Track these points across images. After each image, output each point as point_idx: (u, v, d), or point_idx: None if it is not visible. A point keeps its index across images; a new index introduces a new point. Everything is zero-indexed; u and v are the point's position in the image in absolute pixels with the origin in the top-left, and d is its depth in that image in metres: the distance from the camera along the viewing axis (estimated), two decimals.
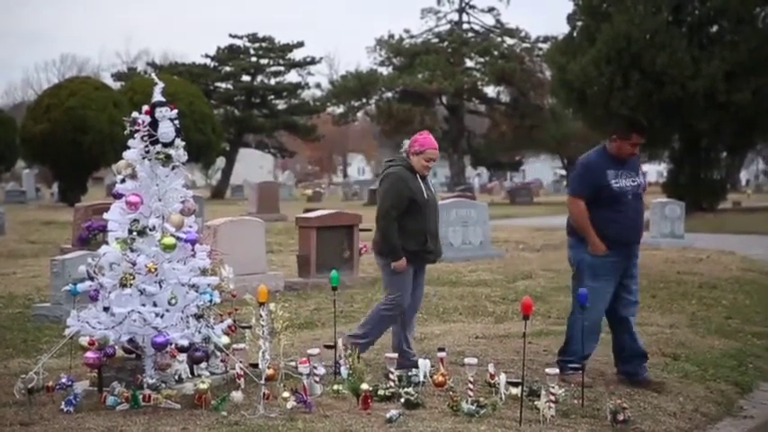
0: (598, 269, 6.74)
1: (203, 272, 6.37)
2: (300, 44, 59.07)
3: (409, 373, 6.50)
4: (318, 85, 64.75)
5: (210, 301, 6.38)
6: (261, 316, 5.84)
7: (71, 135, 36.41)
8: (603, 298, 6.80)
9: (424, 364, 6.53)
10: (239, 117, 57.49)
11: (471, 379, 6.02)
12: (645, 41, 32.06)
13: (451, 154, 58.83)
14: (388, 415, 5.60)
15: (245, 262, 11.12)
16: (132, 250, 6.04)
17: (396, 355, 6.57)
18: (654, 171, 64.63)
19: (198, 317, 6.23)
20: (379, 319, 7.01)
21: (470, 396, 5.91)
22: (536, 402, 5.79)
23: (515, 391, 6.00)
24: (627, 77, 32.33)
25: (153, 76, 6.72)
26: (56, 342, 7.12)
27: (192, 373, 6.18)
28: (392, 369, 6.36)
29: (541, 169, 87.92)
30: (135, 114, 6.23)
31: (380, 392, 6.08)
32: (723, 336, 9.15)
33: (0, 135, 44.88)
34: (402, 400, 5.96)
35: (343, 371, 6.45)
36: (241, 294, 6.75)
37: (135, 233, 6.06)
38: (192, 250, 6.31)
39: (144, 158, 6.17)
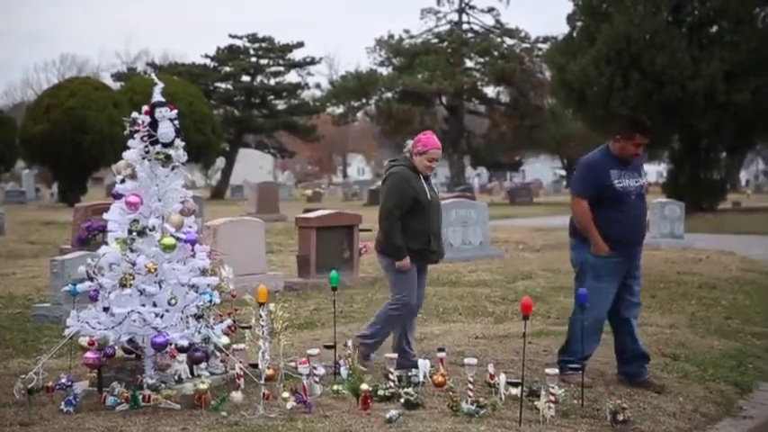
0: (601, 270, 6.74)
1: (203, 272, 6.37)
2: (300, 44, 59.09)
3: (409, 374, 6.50)
4: (318, 86, 64.84)
5: (210, 301, 6.38)
6: (260, 316, 5.84)
7: (71, 135, 36.40)
8: (606, 298, 6.80)
9: (423, 365, 6.53)
10: (239, 117, 57.50)
11: (471, 379, 6.02)
12: (645, 42, 32.08)
13: (451, 154, 58.82)
14: (387, 415, 5.60)
15: (245, 262, 11.12)
16: (132, 250, 6.04)
17: (396, 355, 6.58)
18: (653, 171, 64.58)
19: (198, 317, 6.23)
20: (386, 319, 7.01)
21: (470, 396, 5.91)
22: (536, 403, 5.79)
23: (515, 391, 6.00)
24: (627, 78, 32.34)
25: (153, 76, 6.71)
26: (55, 342, 7.12)
27: (191, 373, 6.18)
28: (392, 369, 6.37)
29: (541, 169, 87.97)
30: (135, 115, 6.23)
31: (380, 393, 6.08)
32: (723, 336, 9.15)
33: (0, 135, 44.84)
34: (402, 400, 5.96)
35: (343, 371, 6.46)
36: (241, 295, 6.75)
37: (135, 233, 6.06)
38: (192, 250, 6.32)
39: (144, 159, 6.17)
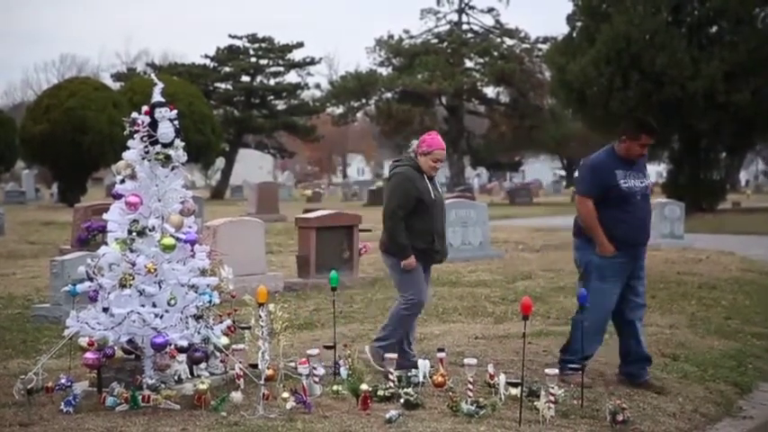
0: (605, 270, 6.73)
1: (203, 272, 6.37)
2: (300, 44, 59.12)
3: (409, 374, 6.50)
4: (318, 86, 64.86)
5: (210, 301, 6.38)
6: (260, 316, 5.84)
7: (70, 135, 36.41)
8: (610, 299, 6.80)
9: (423, 365, 6.53)
10: (239, 117, 57.50)
11: (471, 379, 6.02)
12: (644, 42, 32.08)
13: (451, 154, 58.73)
14: (387, 415, 5.60)
15: (245, 262, 11.12)
16: (132, 251, 6.04)
17: (395, 355, 6.58)
18: (653, 171, 64.61)
19: (197, 317, 6.23)
20: (398, 320, 7.00)
21: (470, 396, 5.91)
22: (535, 403, 5.79)
23: (515, 391, 6.00)
24: (626, 78, 32.34)
25: (152, 76, 6.71)
26: (55, 343, 7.12)
27: (191, 373, 6.18)
28: (392, 369, 6.36)
29: (541, 170, 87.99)
30: (134, 115, 6.22)
31: (380, 393, 6.08)
32: (723, 336, 9.15)
33: (0, 135, 44.84)
34: (401, 400, 5.96)
35: (343, 371, 6.46)
36: (240, 295, 6.75)
37: (134, 234, 6.06)
38: (192, 251, 6.31)
39: (143, 159, 6.17)
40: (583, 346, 6.64)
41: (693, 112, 31.60)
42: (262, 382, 5.77)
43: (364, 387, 5.92)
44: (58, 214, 29.29)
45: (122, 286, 5.92)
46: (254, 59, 59.01)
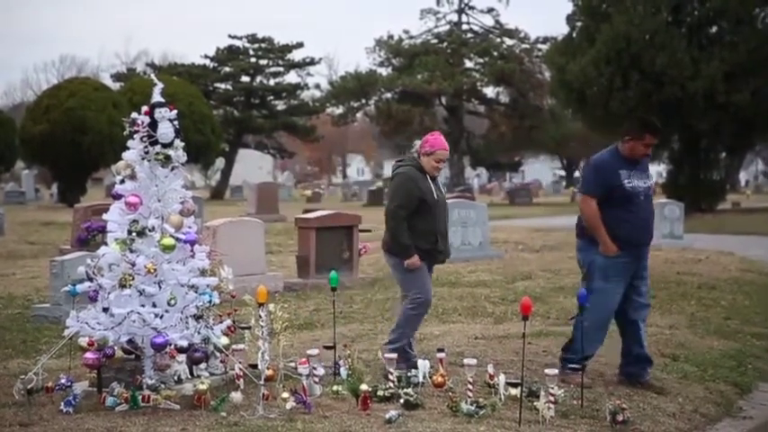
0: (609, 270, 6.74)
1: (202, 272, 6.37)
2: (300, 45, 59.12)
3: (408, 374, 6.50)
4: (318, 86, 64.83)
5: (210, 301, 6.38)
6: (260, 317, 5.84)
7: (70, 136, 36.40)
8: (613, 299, 6.80)
9: (423, 365, 6.53)
10: (238, 118, 57.50)
11: (470, 380, 6.02)
12: (644, 42, 32.08)
13: (451, 154, 58.15)
14: (387, 416, 5.60)
15: (245, 263, 11.12)
16: (131, 251, 6.04)
17: (395, 355, 6.58)
18: (653, 171, 64.63)
19: (197, 317, 6.23)
20: (407, 320, 6.99)
21: (470, 397, 5.91)
22: (535, 403, 5.79)
23: (515, 391, 6.00)
24: (626, 78, 32.34)
25: (152, 76, 6.71)
26: (55, 343, 7.12)
27: (191, 373, 6.18)
28: (391, 370, 6.37)
29: (541, 170, 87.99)
30: (134, 115, 6.23)
31: (380, 393, 6.08)
32: (722, 336, 9.15)
33: (0, 136, 44.83)
34: (401, 400, 5.96)
35: (343, 371, 6.46)
36: (240, 295, 6.75)
37: (134, 234, 6.06)
38: (192, 251, 6.32)
39: (143, 159, 6.17)
40: (583, 345, 6.64)
41: (693, 113, 31.59)
42: (261, 382, 5.77)
43: (364, 387, 5.92)
44: (57, 214, 29.29)
45: (122, 286, 5.92)
46: (253, 60, 59.01)
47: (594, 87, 33.15)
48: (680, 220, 20.27)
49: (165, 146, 6.17)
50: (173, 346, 5.93)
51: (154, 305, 6.03)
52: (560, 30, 66.70)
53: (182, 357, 6.04)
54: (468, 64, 60.26)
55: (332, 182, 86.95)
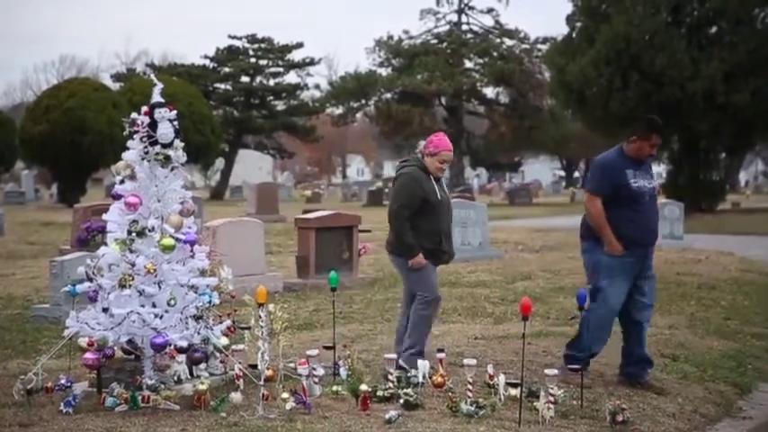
0: (614, 269, 6.75)
1: (202, 273, 6.37)
2: (300, 45, 59.12)
3: (408, 374, 6.50)
4: (317, 86, 64.85)
5: (209, 302, 6.38)
6: (260, 317, 5.84)
7: (70, 136, 36.39)
8: (617, 298, 6.81)
9: (423, 365, 6.53)
10: (238, 118, 57.49)
11: (470, 380, 6.02)
12: (644, 42, 32.09)
13: None
14: (387, 416, 5.60)
15: (244, 263, 11.12)
16: (131, 251, 6.04)
17: (395, 355, 6.58)
18: (653, 172, 64.61)
19: (197, 318, 6.23)
20: (419, 322, 6.97)
21: (469, 397, 5.91)
22: (535, 403, 5.80)
23: (514, 391, 6.00)
24: (626, 78, 32.34)
25: (152, 76, 6.71)
26: (55, 343, 7.12)
27: (191, 374, 6.17)
28: (391, 370, 6.37)
29: (540, 170, 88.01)
30: (134, 115, 6.23)
31: (379, 393, 6.08)
32: (722, 337, 9.15)
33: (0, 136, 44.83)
34: (401, 400, 5.96)
35: (342, 372, 6.46)
36: (240, 295, 6.75)
37: (134, 234, 6.06)
38: (191, 251, 6.32)
39: (143, 159, 6.17)
40: (584, 343, 6.67)
41: (693, 113, 31.60)
42: (261, 382, 5.77)
43: (364, 387, 5.92)
44: (57, 215, 29.29)
45: (122, 287, 5.92)
46: (253, 60, 59.01)
47: (594, 88, 33.15)
48: (680, 221, 20.28)
49: (164, 146, 6.17)
50: (172, 347, 5.93)
51: (154, 305, 6.03)
52: (560, 30, 66.76)
53: (181, 358, 6.04)
54: (468, 64, 60.28)
55: (331, 182, 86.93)
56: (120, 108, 35.16)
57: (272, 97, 59.66)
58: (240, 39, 59.11)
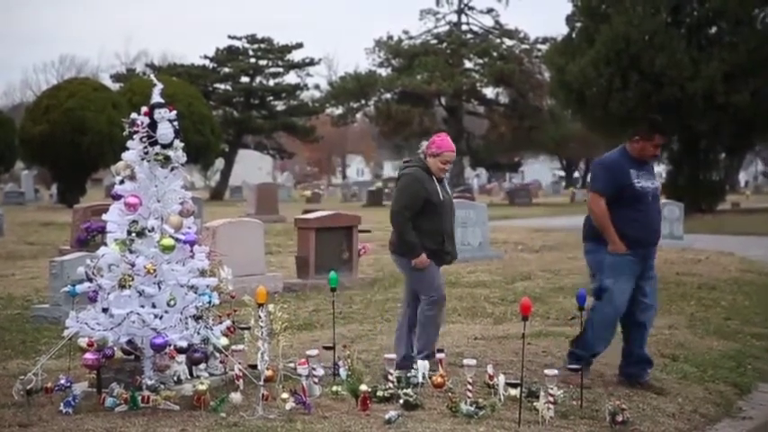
0: (617, 269, 6.75)
1: (202, 273, 6.37)
2: (299, 45, 59.13)
3: (408, 375, 6.49)
4: (317, 87, 64.91)
5: (209, 302, 6.38)
6: (260, 317, 5.83)
7: (70, 136, 36.38)
8: (621, 298, 6.81)
9: (422, 366, 6.52)
10: (238, 118, 57.50)
11: (470, 380, 6.02)
12: (644, 42, 32.09)
13: None
14: (387, 416, 5.60)
15: (244, 263, 11.12)
16: (131, 251, 6.04)
17: (394, 356, 6.57)
18: None
19: (197, 318, 6.23)
20: (428, 322, 6.96)
21: (469, 397, 5.91)
22: (535, 403, 5.80)
23: (514, 392, 6.00)
24: (626, 78, 32.34)
25: (152, 77, 6.71)
26: (54, 343, 7.12)
27: (190, 374, 6.17)
28: (391, 370, 6.37)
29: (540, 170, 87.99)
30: (134, 115, 6.22)
31: (379, 393, 6.08)
32: (722, 337, 9.15)
33: None
34: (401, 401, 5.96)
35: (342, 372, 6.46)
36: (240, 295, 6.75)
37: (134, 234, 6.06)
38: (191, 251, 6.31)
39: (143, 160, 6.17)
40: (584, 343, 6.68)
41: (693, 113, 31.60)
42: (261, 382, 5.76)
43: (363, 388, 5.92)
44: (57, 215, 29.28)
45: (122, 287, 5.92)
46: (253, 60, 59.00)
47: (594, 88, 33.15)
48: (680, 221, 20.28)
49: (164, 146, 6.16)
50: (172, 347, 5.93)
51: (153, 306, 6.03)
52: (560, 30, 66.73)
53: (181, 358, 6.04)
54: (468, 64, 60.28)
55: (331, 182, 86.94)
56: (120, 108, 35.16)
57: (271, 97, 59.66)
58: (240, 39, 59.12)
